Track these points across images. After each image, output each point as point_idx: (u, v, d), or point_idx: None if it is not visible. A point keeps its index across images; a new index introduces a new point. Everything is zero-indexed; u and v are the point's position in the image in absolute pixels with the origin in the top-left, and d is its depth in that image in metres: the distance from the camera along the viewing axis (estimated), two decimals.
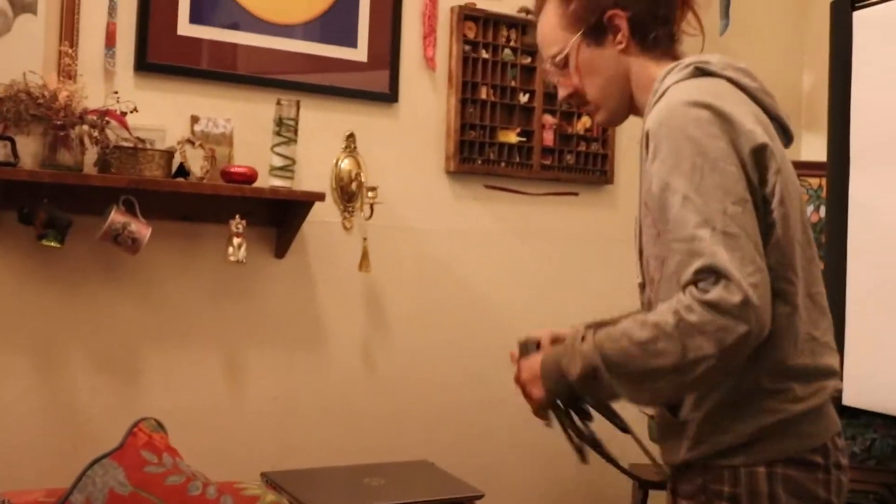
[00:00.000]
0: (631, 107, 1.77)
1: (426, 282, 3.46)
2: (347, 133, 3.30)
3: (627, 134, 3.87)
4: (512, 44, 3.58)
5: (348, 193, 3.30)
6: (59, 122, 2.71)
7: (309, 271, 3.25)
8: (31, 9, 2.80)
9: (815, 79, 4.21)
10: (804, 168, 4.10)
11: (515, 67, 3.58)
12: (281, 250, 3.18)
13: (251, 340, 3.16)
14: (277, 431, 3.20)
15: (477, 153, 3.51)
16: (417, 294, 3.45)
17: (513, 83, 3.58)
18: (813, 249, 1.66)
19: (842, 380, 1.69)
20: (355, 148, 3.32)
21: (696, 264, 1.47)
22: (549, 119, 3.64)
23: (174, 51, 3.01)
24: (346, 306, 3.32)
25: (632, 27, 1.69)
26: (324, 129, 3.25)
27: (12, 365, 2.82)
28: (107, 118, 2.78)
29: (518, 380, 1.75)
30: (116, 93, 2.84)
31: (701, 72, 1.63)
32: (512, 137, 3.57)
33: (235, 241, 2.97)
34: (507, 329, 3.52)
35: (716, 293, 1.45)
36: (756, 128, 1.56)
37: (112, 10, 2.91)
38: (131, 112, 2.82)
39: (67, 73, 2.80)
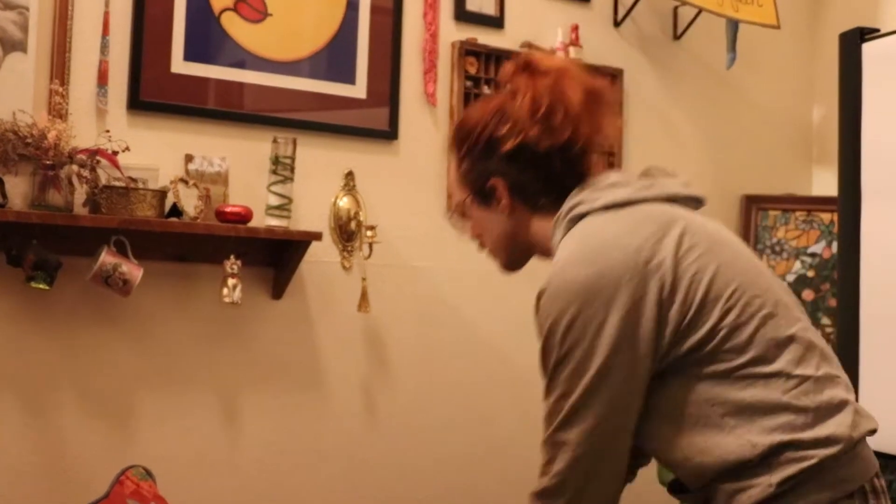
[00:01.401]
0: (539, 252, 1.77)
1: (429, 322, 3.38)
2: (346, 171, 3.24)
3: (634, 168, 3.79)
4: None
5: (347, 232, 3.23)
6: (48, 162, 2.66)
7: (307, 312, 3.18)
8: (21, 47, 2.75)
9: (826, 112, 4.14)
10: (815, 203, 4.03)
11: None
12: (278, 291, 3.11)
13: (247, 384, 3.08)
14: (274, 478, 3.11)
15: None
16: (420, 335, 3.37)
17: None
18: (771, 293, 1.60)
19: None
20: (354, 186, 3.25)
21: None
22: None
23: (168, 89, 2.95)
24: (345, 348, 3.24)
25: (513, 194, 1.69)
26: (322, 167, 3.19)
27: (1, 408, 2.74)
28: (97, 157, 2.72)
29: None
30: (108, 131, 2.78)
31: (574, 221, 1.62)
32: None
33: (230, 281, 2.90)
34: (513, 370, 3.46)
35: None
36: (645, 244, 1.54)
37: (104, 48, 2.86)
38: (123, 151, 2.76)
39: (58, 111, 2.74)
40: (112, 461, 2.75)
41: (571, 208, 1.63)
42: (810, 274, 3.96)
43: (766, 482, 1.52)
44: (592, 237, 1.57)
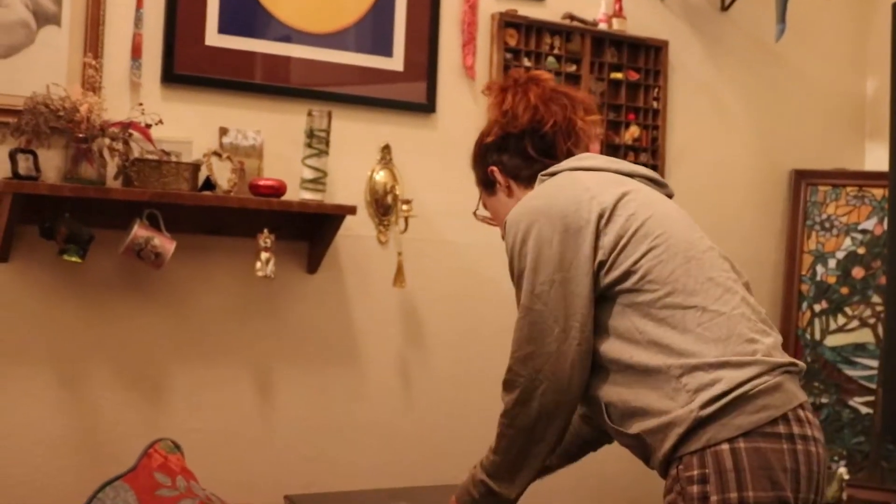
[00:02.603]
0: None
1: (466, 297, 3.34)
2: (383, 145, 3.21)
3: (678, 143, 3.72)
4: (556, 51, 3.46)
5: (384, 206, 3.21)
6: (81, 135, 2.66)
7: (342, 287, 3.16)
8: (55, 20, 2.76)
9: (880, 85, 4.02)
10: (867, 178, 3.92)
11: (560, 76, 3.46)
12: (313, 265, 3.09)
13: (281, 358, 3.07)
14: (308, 453, 3.10)
15: None
16: (457, 310, 3.34)
17: None
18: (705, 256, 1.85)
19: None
20: (391, 160, 3.22)
21: (515, 336, 1.87)
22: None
23: (202, 62, 2.94)
24: (381, 323, 3.22)
25: (506, 175, 2.07)
26: (358, 140, 3.16)
27: (34, 382, 2.76)
28: (130, 131, 2.72)
29: None
30: (141, 104, 2.77)
31: (543, 177, 1.97)
32: None
33: (263, 255, 2.89)
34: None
35: (509, 367, 1.88)
36: (594, 188, 1.85)
37: (138, 21, 2.85)
38: (156, 124, 2.76)
39: (91, 85, 2.74)
40: (145, 434, 2.75)
41: (546, 171, 1.98)
42: (861, 251, 3.86)
43: (687, 410, 1.70)
44: (553, 183, 1.92)
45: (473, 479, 1.99)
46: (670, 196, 1.99)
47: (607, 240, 1.80)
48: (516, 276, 1.87)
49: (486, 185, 2.13)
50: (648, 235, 1.80)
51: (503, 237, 1.98)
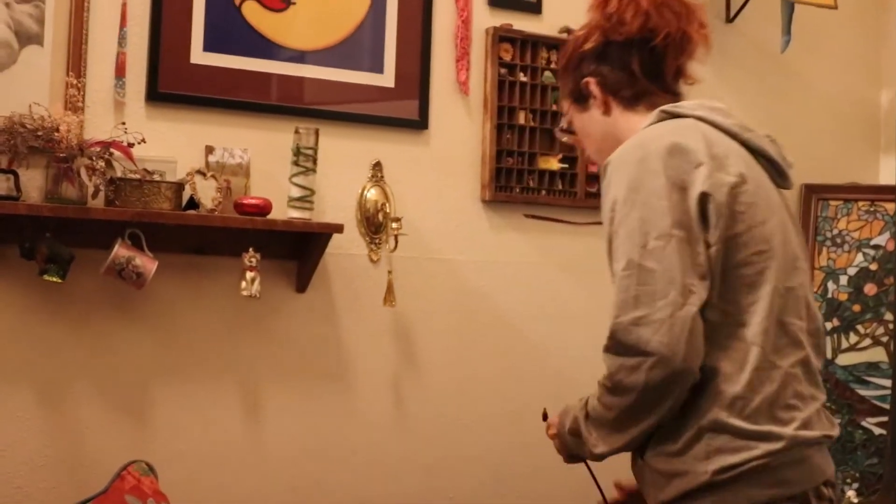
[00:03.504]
0: None
1: (461, 316, 3.29)
2: (374, 162, 3.17)
3: None
4: (552, 66, 3.41)
5: (375, 224, 3.17)
6: (61, 155, 2.65)
7: (332, 306, 3.12)
8: (38, 40, 2.75)
9: (895, 97, 3.93)
10: (879, 193, 3.83)
11: (556, 90, 3.41)
12: (302, 284, 3.06)
13: (270, 378, 3.04)
14: (297, 475, 3.06)
15: (515, 181, 3.34)
16: (452, 329, 3.29)
17: (554, 107, 3.40)
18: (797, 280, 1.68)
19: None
20: (382, 177, 3.18)
21: (618, 297, 1.58)
22: None
23: (187, 80, 2.92)
24: (373, 342, 3.17)
25: (605, 90, 1.82)
26: (349, 158, 3.13)
27: (17, 403, 2.75)
28: (111, 150, 2.70)
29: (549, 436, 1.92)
30: (124, 123, 2.76)
31: (668, 114, 1.73)
32: (553, 164, 3.39)
33: (248, 275, 2.86)
34: (549, 367, 3.35)
35: (612, 332, 1.58)
36: (712, 162, 1.62)
37: (122, 39, 2.84)
38: (139, 143, 2.74)
39: (73, 104, 2.73)
40: (129, 455, 2.72)
41: (672, 105, 1.74)
42: (873, 267, 3.76)
43: (702, 469, 1.57)
44: (677, 128, 1.67)
45: (575, 409, 1.76)
46: (788, 188, 1.79)
47: (716, 232, 1.60)
48: (617, 225, 1.61)
49: (578, 98, 1.87)
50: (749, 246, 1.61)
51: (588, 160, 1.80)
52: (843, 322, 3.77)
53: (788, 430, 1.56)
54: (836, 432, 1.66)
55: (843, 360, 3.76)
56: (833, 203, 3.84)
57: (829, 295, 3.79)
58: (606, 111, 1.82)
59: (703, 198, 1.58)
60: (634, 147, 1.65)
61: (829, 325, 3.78)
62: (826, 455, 1.64)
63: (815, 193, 3.85)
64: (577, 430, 1.72)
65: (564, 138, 1.99)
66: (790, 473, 1.56)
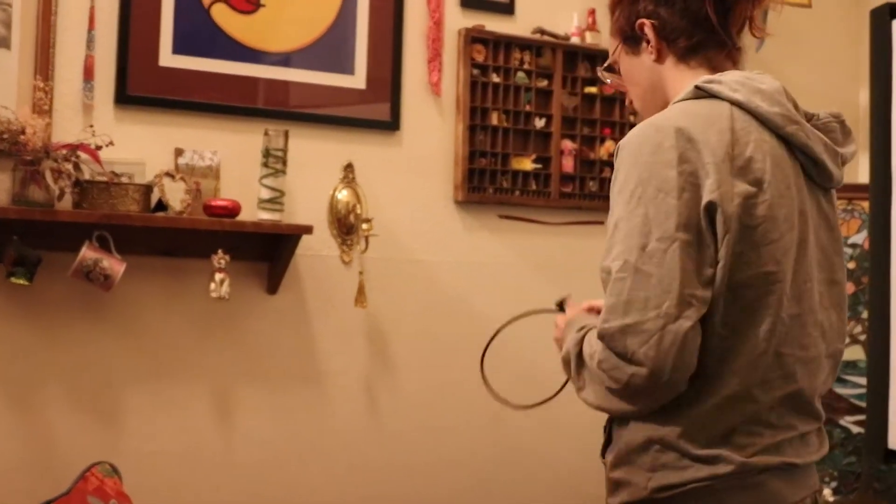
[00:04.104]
0: None
1: (435, 317, 3.30)
2: (345, 163, 3.18)
3: None
4: (526, 66, 3.41)
5: (346, 226, 3.17)
6: (28, 158, 2.66)
7: (304, 307, 3.13)
8: (5, 44, 2.76)
9: None
10: (856, 191, 3.82)
11: (530, 91, 3.41)
12: (273, 286, 3.06)
13: (241, 380, 3.04)
14: (269, 475, 3.06)
15: (488, 182, 3.34)
16: (425, 330, 3.29)
17: (527, 108, 3.41)
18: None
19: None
20: (354, 178, 3.19)
21: (609, 300, 1.45)
22: (568, 144, 3.45)
23: (156, 83, 2.93)
24: (345, 344, 3.18)
25: (660, 36, 1.63)
26: (320, 159, 3.14)
27: None
28: (78, 153, 2.71)
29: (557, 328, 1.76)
30: (91, 126, 2.77)
31: (702, 92, 1.54)
32: (527, 164, 3.39)
33: (217, 276, 2.87)
34: (521, 366, 3.34)
35: (600, 335, 1.46)
36: (729, 165, 1.45)
37: (90, 42, 2.85)
38: (107, 146, 2.75)
39: (40, 107, 2.74)
40: (100, 456, 2.73)
41: (708, 80, 1.55)
42: (851, 265, 3.75)
43: (643, 483, 1.48)
44: (705, 114, 1.50)
45: (572, 340, 1.60)
46: (830, 188, 1.60)
47: (721, 245, 1.46)
48: (619, 219, 1.47)
49: (628, 38, 1.67)
50: (755, 265, 1.46)
51: (630, 110, 1.68)
52: None
53: (739, 457, 1.46)
54: (805, 459, 1.53)
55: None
56: None
57: None
58: (659, 59, 1.64)
59: (710, 207, 1.44)
60: (654, 131, 1.48)
61: None
62: (793, 481, 1.51)
63: None
64: (568, 360, 1.59)
65: (608, 80, 1.79)
66: (737, 499, 1.46)
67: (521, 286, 3.39)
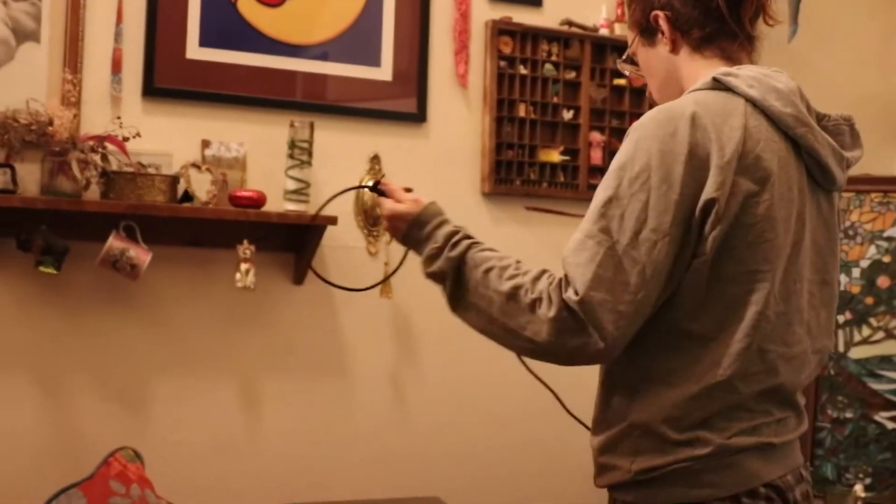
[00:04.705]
0: None
1: None
2: (372, 155, 3.19)
3: None
4: (553, 58, 3.40)
5: (373, 217, 3.19)
6: (56, 149, 2.70)
7: (330, 298, 3.14)
8: (35, 37, 2.81)
9: None
10: (892, 184, 3.77)
11: (558, 83, 3.40)
12: (299, 276, 3.09)
13: (267, 369, 3.07)
14: (295, 465, 3.09)
15: (515, 174, 3.34)
16: (450, 322, 3.22)
17: (555, 99, 3.40)
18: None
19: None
20: (380, 170, 3.20)
21: (590, 269, 1.47)
22: (596, 136, 3.44)
23: (183, 75, 2.97)
24: (370, 334, 3.19)
25: (674, 27, 1.67)
26: (347, 150, 3.16)
27: (16, 392, 2.81)
28: (105, 144, 2.75)
29: (383, 215, 1.86)
30: (119, 118, 2.81)
31: (719, 84, 1.56)
32: (555, 156, 3.39)
33: (243, 266, 2.90)
34: (577, 374, 3.34)
35: (579, 300, 1.46)
36: (736, 164, 1.48)
37: (118, 36, 2.89)
38: (134, 137, 2.79)
39: (69, 100, 2.78)
40: (128, 444, 2.76)
41: (725, 72, 1.58)
42: (886, 259, 3.70)
43: (626, 466, 1.54)
44: (723, 110, 1.52)
45: (442, 233, 1.69)
46: (833, 191, 1.65)
47: (707, 239, 1.49)
48: (621, 195, 1.48)
49: (645, 31, 1.72)
50: (745, 262, 1.50)
51: (648, 95, 1.75)
52: (856, 315, 3.72)
53: (717, 439, 1.51)
54: (783, 439, 1.57)
55: (856, 353, 3.70)
56: (845, 195, 3.79)
57: (842, 288, 3.74)
58: (674, 49, 1.68)
59: (708, 204, 1.47)
60: (668, 118, 1.51)
61: (841, 318, 3.73)
62: (771, 459, 1.55)
63: None
64: (444, 276, 1.65)
65: (627, 71, 1.84)
66: (716, 477, 1.51)
67: None
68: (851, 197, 3.78)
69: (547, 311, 1.49)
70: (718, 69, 1.60)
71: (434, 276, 1.69)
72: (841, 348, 3.72)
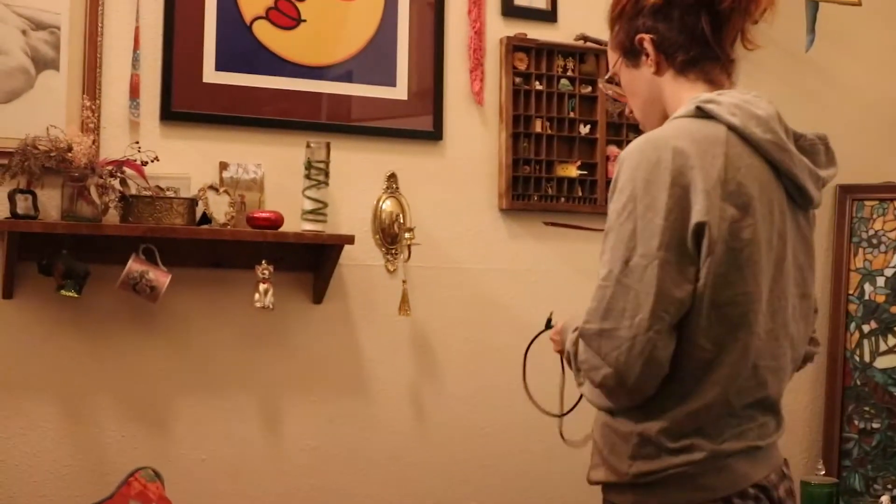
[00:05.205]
0: None
1: (478, 324, 3.31)
2: (388, 174, 3.22)
3: None
4: (569, 73, 3.42)
5: (391, 236, 3.21)
6: (75, 175, 2.75)
7: (349, 316, 3.17)
8: (54, 65, 2.87)
9: None
10: None
11: (574, 98, 3.42)
12: (318, 295, 3.12)
13: (289, 389, 3.10)
14: (317, 483, 3.11)
15: (533, 189, 3.35)
16: (470, 337, 3.31)
17: (571, 114, 3.41)
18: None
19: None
20: (397, 188, 3.23)
21: (591, 304, 1.60)
22: (614, 150, 3.45)
23: (200, 99, 3.01)
24: (391, 352, 3.21)
25: (659, 50, 1.73)
26: (364, 170, 3.19)
27: (41, 414, 2.85)
28: (123, 168, 2.80)
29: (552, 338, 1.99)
30: (137, 143, 2.86)
31: (701, 112, 1.64)
32: (572, 171, 3.40)
33: (262, 286, 2.92)
34: (568, 374, 3.34)
35: (578, 337, 1.62)
36: (721, 189, 1.56)
37: (135, 62, 2.94)
38: (152, 161, 2.83)
39: (88, 126, 2.84)
40: (150, 463, 2.80)
41: (706, 99, 1.64)
42: None
43: (624, 469, 1.64)
44: (705, 139, 1.59)
45: (569, 339, 1.74)
46: (810, 210, 1.73)
47: (705, 264, 1.57)
48: (610, 229, 1.59)
49: (628, 53, 1.78)
50: (737, 285, 1.57)
51: (628, 114, 1.83)
52: (881, 324, 3.69)
53: (711, 444, 1.60)
54: (767, 441, 1.67)
55: (882, 363, 3.67)
56: (868, 203, 3.77)
57: (866, 297, 3.72)
58: (658, 72, 1.74)
59: (699, 228, 1.54)
60: (652, 148, 1.58)
61: (866, 328, 3.71)
62: (756, 460, 1.65)
63: (849, 194, 3.79)
64: (568, 359, 1.72)
65: (609, 91, 1.90)
66: (710, 480, 1.60)
67: (566, 293, 3.38)
68: (875, 205, 3.77)
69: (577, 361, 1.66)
70: (701, 92, 1.68)
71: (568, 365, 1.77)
72: (867, 358, 3.70)
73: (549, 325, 2.11)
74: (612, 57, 1.83)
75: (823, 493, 3.31)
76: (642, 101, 1.80)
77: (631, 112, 1.86)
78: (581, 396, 1.79)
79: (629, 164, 1.59)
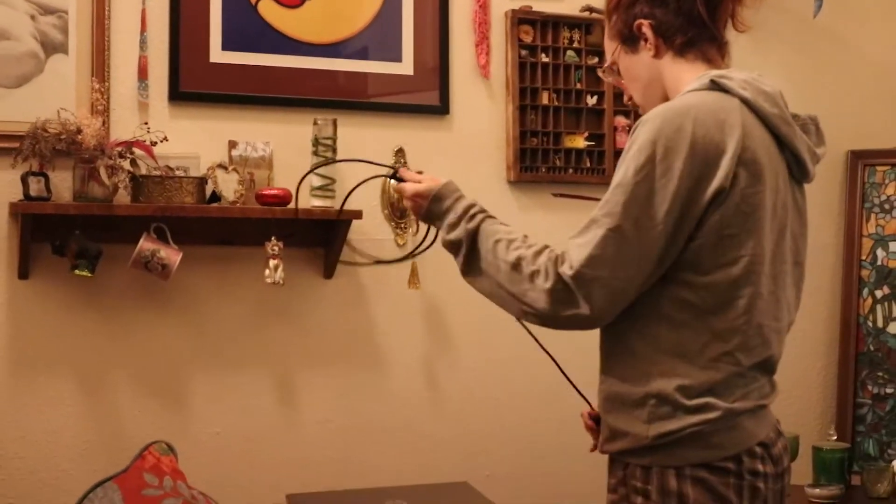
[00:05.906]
0: None
1: None
2: (396, 148, 3.25)
3: None
4: (575, 45, 3.43)
5: (399, 210, 3.25)
6: (85, 156, 2.81)
7: (361, 290, 3.21)
8: (63, 49, 2.91)
9: None
10: None
11: (581, 69, 3.43)
12: (329, 270, 3.16)
13: (302, 362, 3.15)
14: (333, 454, 3.17)
15: (540, 161, 3.37)
16: (480, 310, 3.29)
17: (578, 86, 3.43)
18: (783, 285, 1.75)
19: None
20: (405, 163, 3.26)
21: (592, 251, 1.63)
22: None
23: (208, 78, 3.05)
24: (403, 325, 3.26)
25: (657, 34, 1.81)
26: (371, 146, 3.21)
27: (58, 391, 2.93)
28: (133, 149, 2.85)
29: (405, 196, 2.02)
30: (146, 123, 2.91)
31: (716, 86, 1.71)
32: (580, 142, 3.41)
33: (272, 262, 2.97)
34: (577, 343, 3.37)
35: (572, 275, 1.63)
36: (738, 157, 1.63)
37: (143, 44, 2.98)
38: (161, 141, 2.88)
39: (97, 108, 2.89)
40: (167, 438, 2.86)
41: (720, 74, 1.72)
42: None
43: (643, 433, 1.68)
44: (723, 109, 1.67)
45: (457, 210, 1.87)
46: (807, 182, 1.81)
47: (707, 225, 1.64)
48: (625, 183, 1.63)
49: (626, 39, 1.85)
50: (742, 247, 1.66)
51: (627, 101, 1.90)
52: (894, 290, 3.69)
53: (724, 403, 1.67)
54: (768, 401, 1.75)
55: (895, 328, 3.67)
56: (880, 169, 3.76)
57: (879, 262, 3.71)
58: (657, 55, 1.81)
59: (718, 193, 1.62)
60: (675, 114, 1.65)
61: (878, 293, 3.71)
62: (760, 419, 1.72)
63: (861, 159, 3.78)
64: (459, 244, 1.82)
65: (609, 78, 1.95)
66: (722, 439, 1.67)
67: None
68: (887, 170, 3.76)
69: (544, 283, 1.66)
70: (701, 71, 1.77)
71: (451, 244, 1.86)
72: (880, 323, 3.70)
73: (395, 177, 2.08)
74: (610, 46, 1.90)
75: (835, 458, 3.32)
76: (642, 84, 1.87)
77: (630, 98, 1.93)
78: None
79: (651, 126, 1.65)
